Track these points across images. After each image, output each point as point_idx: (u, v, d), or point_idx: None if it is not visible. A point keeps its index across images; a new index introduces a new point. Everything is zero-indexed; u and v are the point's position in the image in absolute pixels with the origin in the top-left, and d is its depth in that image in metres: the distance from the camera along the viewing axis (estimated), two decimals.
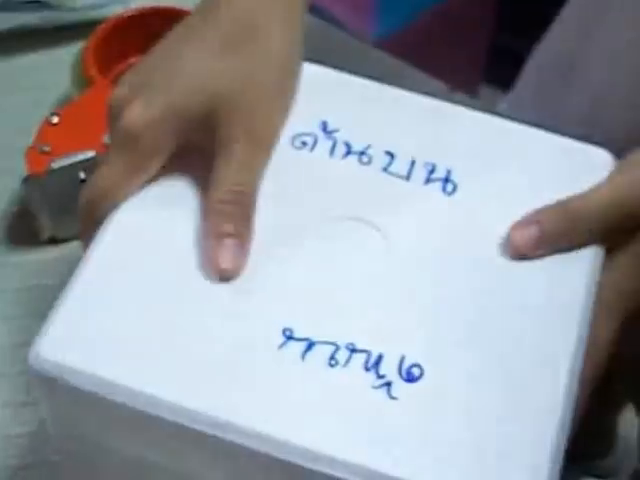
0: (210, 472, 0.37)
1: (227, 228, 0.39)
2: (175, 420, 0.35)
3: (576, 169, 0.43)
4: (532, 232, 0.40)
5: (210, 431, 0.35)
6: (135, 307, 0.38)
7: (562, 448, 0.36)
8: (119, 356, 0.37)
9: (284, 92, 0.43)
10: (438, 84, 0.63)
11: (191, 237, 0.40)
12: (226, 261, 0.38)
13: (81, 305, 0.38)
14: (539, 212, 0.41)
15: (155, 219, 0.40)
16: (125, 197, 0.40)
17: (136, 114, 0.39)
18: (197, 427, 0.35)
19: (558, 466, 0.35)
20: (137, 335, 0.37)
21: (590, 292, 0.39)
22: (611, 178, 0.41)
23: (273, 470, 0.35)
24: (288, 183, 0.42)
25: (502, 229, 0.41)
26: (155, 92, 0.40)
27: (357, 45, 0.64)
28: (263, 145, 0.41)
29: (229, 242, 0.38)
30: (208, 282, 0.39)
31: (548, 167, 0.44)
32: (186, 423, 0.35)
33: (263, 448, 0.35)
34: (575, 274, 0.40)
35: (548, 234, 0.40)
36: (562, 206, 0.41)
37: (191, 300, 0.38)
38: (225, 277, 0.38)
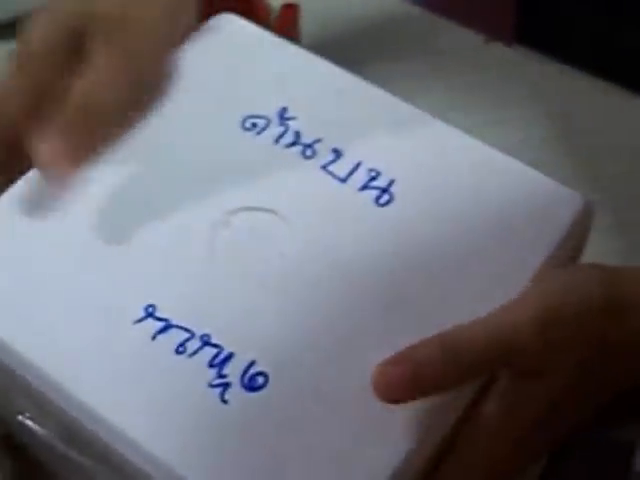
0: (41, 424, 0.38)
1: (65, 132, 0.38)
2: (22, 374, 0.36)
3: (534, 203, 0.39)
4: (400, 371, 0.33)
5: (40, 387, 0.35)
6: (16, 266, 0.38)
7: None
8: None
9: (163, 20, 0.42)
10: (474, 36, 0.60)
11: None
12: (44, 155, 0.38)
13: None
14: (414, 347, 0.33)
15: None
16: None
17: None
18: (32, 381, 0.36)
19: None
20: (12, 292, 0.37)
21: None
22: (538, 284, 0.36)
23: (82, 436, 0.35)
24: (213, 163, 0.41)
25: (422, 252, 0.38)
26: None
27: (393, 1, 0.61)
28: (125, 65, 0.40)
29: (56, 141, 0.38)
30: (93, 248, 0.38)
31: (504, 197, 0.40)
32: (27, 376, 0.35)
33: (77, 414, 0.35)
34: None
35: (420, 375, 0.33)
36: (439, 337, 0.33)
37: (71, 263, 0.38)
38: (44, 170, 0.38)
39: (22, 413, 0.39)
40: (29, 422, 0.39)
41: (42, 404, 0.36)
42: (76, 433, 0.36)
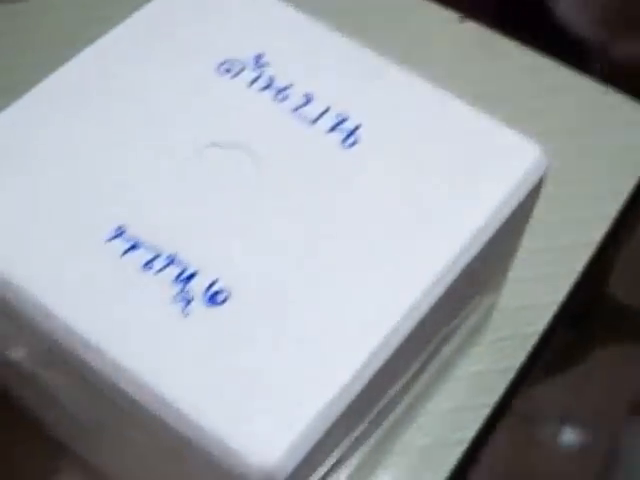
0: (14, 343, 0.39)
1: None
2: None
3: (493, 153, 0.41)
4: None
5: (17, 303, 0.37)
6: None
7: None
8: None
9: None
10: (449, 14, 0.61)
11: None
12: None
13: None
14: None
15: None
16: None
17: None
18: (10, 297, 0.37)
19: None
20: None
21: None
22: None
23: (55, 353, 0.37)
24: (186, 102, 0.42)
25: (381, 190, 0.40)
26: None
27: None
28: None
29: None
30: (68, 170, 0.40)
31: (464, 146, 0.42)
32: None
33: (47, 325, 0.36)
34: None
35: None
36: None
37: (45, 181, 0.39)
38: None
39: None
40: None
41: (11, 317, 0.37)
42: (50, 350, 0.37)
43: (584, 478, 0.47)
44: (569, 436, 0.49)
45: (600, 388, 0.51)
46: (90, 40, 0.44)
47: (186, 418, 0.34)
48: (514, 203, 0.41)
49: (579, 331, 0.54)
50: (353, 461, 0.41)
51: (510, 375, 0.49)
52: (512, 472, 0.48)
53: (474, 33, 0.57)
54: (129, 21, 0.45)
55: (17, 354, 0.39)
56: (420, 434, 0.47)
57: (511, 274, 0.49)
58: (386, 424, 0.43)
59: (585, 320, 0.54)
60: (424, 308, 0.37)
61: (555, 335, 0.51)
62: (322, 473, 0.37)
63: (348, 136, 0.42)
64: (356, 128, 0.42)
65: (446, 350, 0.45)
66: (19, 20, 0.62)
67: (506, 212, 0.40)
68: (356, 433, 0.39)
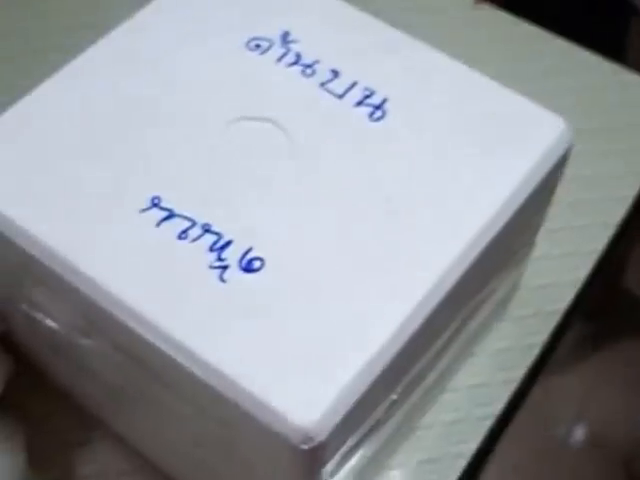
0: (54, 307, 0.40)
1: None
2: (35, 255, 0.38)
3: (519, 127, 0.42)
4: None
5: (59, 270, 0.37)
6: (45, 153, 0.40)
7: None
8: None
9: None
10: None
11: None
12: None
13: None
14: None
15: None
16: None
17: None
18: (48, 263, 0.37)
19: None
20: (37, 179, 0.39)
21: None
22: None
23: (91, 315, 0.37)
24: (217, 77, 0.43)
25: (407, 165, 0.40)
26: None
27: None
28: None
29: None
30: (108, 142, 0.40)
31: (491, 120, 0.42)
32: (39, 257, 0.37)
33: (89, 291, 0.36)
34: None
35: None
36: None
37: (86, 154, 0.40)
38: None
39: (27, 302, 0.41)
40: (34, 311, 0.41)
41: (52, 285, 0.38)
42: (86, 314, 0.38)
43: (602, 471, 0.48)
44: (583, 430, 0.49)
45: (616, 381, 0.51)
46: (121, 18, 0.44)
47: (227, 379, 0.34)
48: (541, 174, 0.41)
49: (595, 325, 0.54)
50: (384, 430, 0.41)
51: (534, 351, 0.50)
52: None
53: (490, 16, 0.58)
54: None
55: (58, 324, 0.40)
56: (446, 409, 0.47)
57: (535, 252, 0.49)
58: (415, 396, 0.43)
59: (601, 314, 0.55)
60: (454, 276, 0.38)
61: (571, 329, 0.52)
62: (358, 437, 0.38)
63: (375, 110, 0.42)
64: (383, 102, 0.42)
65: (472, 324, 0.46)
66: None
67: (533, 183, 0.41)
68: (388, 400, 0.39)
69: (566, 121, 0.42)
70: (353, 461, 0.39)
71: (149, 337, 0.35)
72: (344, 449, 0.37)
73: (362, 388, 0.35)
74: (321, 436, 0.33)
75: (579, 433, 0.51)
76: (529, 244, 0.48)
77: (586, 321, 0.53)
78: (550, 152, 0.42)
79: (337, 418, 0.34)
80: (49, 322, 0.40)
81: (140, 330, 0.35)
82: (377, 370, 0.35)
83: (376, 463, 0.43)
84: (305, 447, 0.33)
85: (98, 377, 0.41)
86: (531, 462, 0.48)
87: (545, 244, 0.50)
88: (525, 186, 0.41)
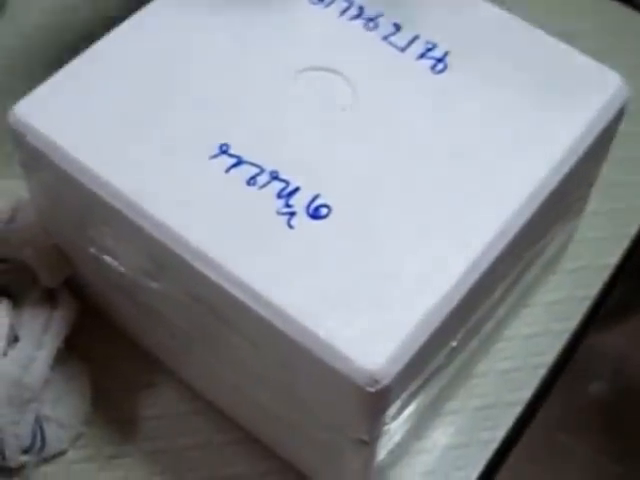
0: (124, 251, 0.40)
1: None
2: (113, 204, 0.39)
3: (577, 82, 0.42)
4: None
5: (128, 213, 0.38)
6: (115, 98, 0.41)
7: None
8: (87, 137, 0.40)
9: None
10: None
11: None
12: None
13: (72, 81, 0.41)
14: None
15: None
16: None
17: None
18: (121, 208, 0.38)
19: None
20: (107, 123, 0.40)
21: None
22: None
23: (160, 258, 0.38)
24: (283, 29, 0.44)
25: (469, 115, 0.41)
26: None
27: None
28: None
29: None
30: (179, 91, 0.41)
31: (550, 75, 0.43)
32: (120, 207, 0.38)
33: (158, 234, 0.37)
34: None
35: None
36: None
37: (160, 101, 0.41)
38: None
39: (95, 245, 0.42)
40: (102, 254, 0.42)
41: (119, 228, 0.39)
42: (154, 258, 0.39)
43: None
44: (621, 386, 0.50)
45: None
46: None
47: (295, 322, 0.35)
48: (598, 128, 0.42)
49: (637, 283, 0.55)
50: (443, 376, 0.42)
51: (586, 303, 0.50)
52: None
53: None
54: None
55: (125, 267, 0.41)
56: (501, 358, 0.48)
57: (588, 206, 0.49)
58: (473, 344, 0.44)
59: None
60: (516, 226, 0.39)
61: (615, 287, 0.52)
62: (419, 382, 0.38)
63: (437, 62, 0.43)
64: (445, 55, 0.43)
65: (528, 275, 0.46)
66: None
67: (591, 136, 0.42)
68: (449, 347, 0.40)
69: (622, 78, 0.43)
70: (413, 406, 0.40)
71: (217, 280, 0.36)
72: (406, 393, 0.38)
73: (426, 334, 0.36)
74: (386, 379, 0.34)
75: (616, 389, 0.51)
76: (584, 198, 0.48)
77: (631, 278, 0.53)
78: (608, 105, 0.42)
79: (402, 363, 0.35)
80: (116, 265, 0.41)
81: (208, 273, 0.36)
82: (440, 317, 0.36)
83: (433, 408, 0.44)
84: (371, 390, 0.34)
85: (164, 320, 0.42)
86: (571, 415, 0.49)
87: (598, 199, 0.51)
88: (584, 139, 0.41)
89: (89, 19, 0.61)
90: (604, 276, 0.52)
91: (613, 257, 0.52)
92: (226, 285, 0.36)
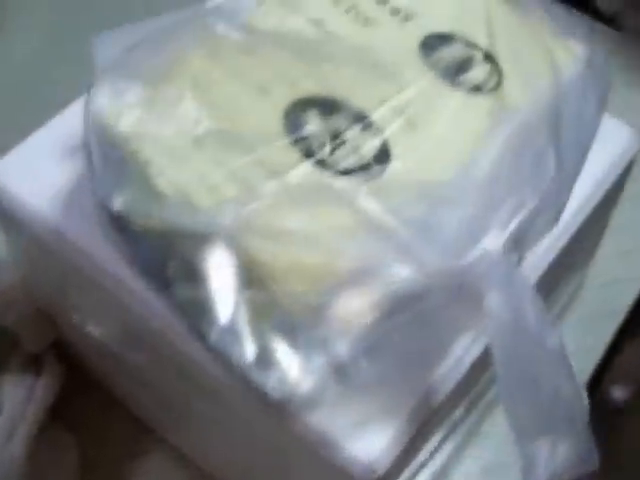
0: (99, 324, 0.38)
1: None
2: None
3: None
4: None
5: (104, 282, 0.36)
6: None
7: None
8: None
9: None
10: None
11: None
12: None
13: None
14: None
15: None
16: None
17: None
18: (97, 277, 0.36)
19: None
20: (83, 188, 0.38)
21: None
22: None
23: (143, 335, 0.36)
24: None
25: None
26: None
27: None
28: None
29: None
30: None
31: None
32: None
33: (138, 305, 0.35)
34: None
35: None
36: None
37: None
38: None
39: (79, 313, 0.40)
40: (86, 323, 0.40)
41: (100, 297, 0.37)
42: (137, 330, 0.37)
43: None
44: None
45: None
46: None
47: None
48: (610, 181, 0.40)
49: None
50: (446, 447, 0.40)
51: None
52: None
53: None
54: None
55: (110, 337, 0.39)
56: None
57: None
58: (476, 410, 0.42)
59: None
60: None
61: None
62: (419, 461, 0.37)
63: None
64: None
65: None
66: None
67: (603, 189, 0.40)
68: (452, 420, 0.38)
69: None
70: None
71: (200, 358, 0.34)
72: (406, 474, 0.36)
73: (423, 415, 0.34)
74: (383, 468, 0.33)
75: None
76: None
77: None
78: (620, 159, 0.41)
79: (399, 449, 0.33)
80: (99, 335, 0.40)
81: (191, 351, 0.34)
82: (439, 398, 0.34)
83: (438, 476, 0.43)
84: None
85: (153, 390, 0.41)
86: None
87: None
88: (598, 190, 0.40)
89: None
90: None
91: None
92: (209, 366, 0.34)
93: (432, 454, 0.39)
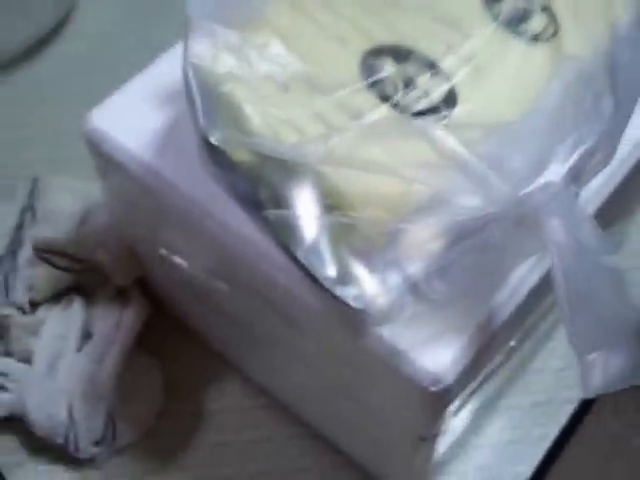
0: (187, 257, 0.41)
1: None
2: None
3: None
4: None
5: (199, 218, 0.39)
6: None
7: None
8: None
9: None
10: None
11: None
12: None
13: None
14: None
15: None
16: None
17: None
18: (193, 212, 0.39)
19: None
20: (180, 131, 0.41)
21: None
22: None
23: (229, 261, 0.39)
24: None
25: None
26: None
27: None
28: None
29: None
30: None
31: None
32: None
33: (228, 238, 0.39)
34: None
35: None
36: None
37: None
38: None
39: (169, 248, 0.43)
40: (173, 256, 0.43)
41: (192, 232, 0.40)
42: (225, 259, 0.39)
43: None
44: None
45: None
46: None
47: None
48: None
49: None
50: (501, 375, 0.43)
51: None
52: None
53: None
54: None
55: (197, 268, 0.42)
56: (555, 356, 0.49)
57: None
58: (529, 343, 0.45)
59: None
60: None
61: None
62: (479, 381, 0.40)
63: None
64: None
65: None
66: None
67: None
68: (508, 347, 0.41)
69: None
70: (470, 403, 0.41)
71: (285, 282, 0.37)
72: (465, 392, 0.39)
73: (486, 337, 0.37)
74: (449, 379, 0.35)
75: None
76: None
77: None
78: None
79: (463, 363, 0.36)
80: (186, 266, 0.43)
81: (276, 276, 0.37)
82: (500, 320, 0.37)
83: (490, 405, 0.45)
84: (434, 389, 0.35)
85: (232, 319, 0.44)
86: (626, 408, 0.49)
87: None
88: None
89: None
90: None
91: None
92: (294, 288, 0.37)
93: (487, 378, 0.41)
